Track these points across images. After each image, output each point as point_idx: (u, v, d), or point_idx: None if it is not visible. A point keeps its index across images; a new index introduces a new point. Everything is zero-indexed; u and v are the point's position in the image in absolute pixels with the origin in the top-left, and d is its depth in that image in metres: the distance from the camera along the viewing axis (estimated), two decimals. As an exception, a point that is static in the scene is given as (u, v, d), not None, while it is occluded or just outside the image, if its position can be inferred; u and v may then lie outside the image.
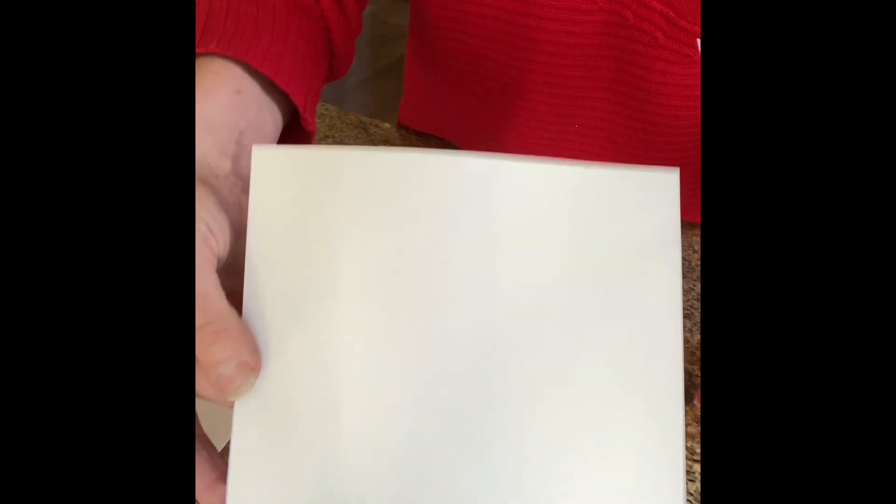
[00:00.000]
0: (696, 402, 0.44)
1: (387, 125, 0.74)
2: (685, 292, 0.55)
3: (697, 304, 0.54)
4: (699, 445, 0.43)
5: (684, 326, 0.51)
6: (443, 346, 0.27)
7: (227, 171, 0.34)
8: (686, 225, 0.63)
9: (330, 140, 0.70)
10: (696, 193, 0.60)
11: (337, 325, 0.28)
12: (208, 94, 0.35)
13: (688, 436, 0.43)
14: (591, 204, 0.29)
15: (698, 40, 0.50)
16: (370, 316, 0.28)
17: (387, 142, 0.70)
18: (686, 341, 0.50)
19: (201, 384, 0.28)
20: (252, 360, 0.28)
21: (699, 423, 0.44)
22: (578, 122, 0.57)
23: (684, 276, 0.57)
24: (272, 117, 0.38)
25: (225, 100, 0.35)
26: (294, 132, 0.41)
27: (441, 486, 0.27)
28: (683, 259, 0.59)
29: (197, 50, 0.35)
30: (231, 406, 0.28)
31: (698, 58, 0.49)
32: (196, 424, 0.30)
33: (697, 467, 0.42)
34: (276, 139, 0.39)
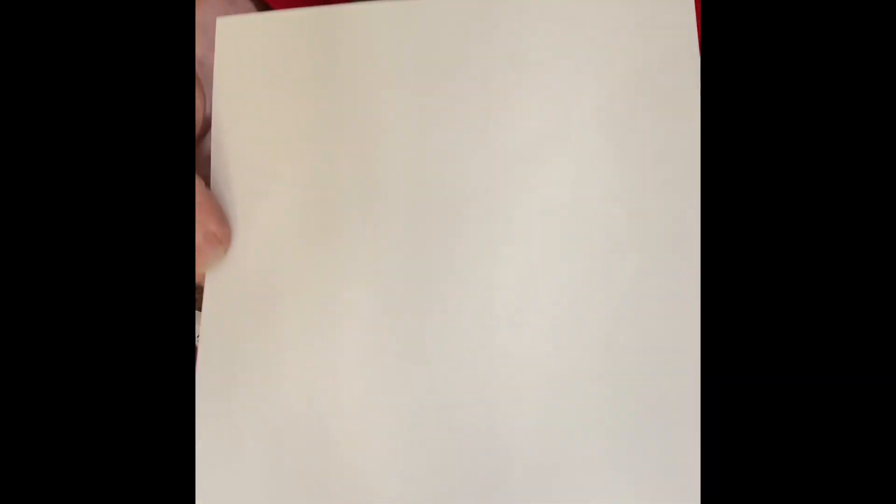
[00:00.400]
0: None
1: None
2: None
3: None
4: (699, 445, 0.43)
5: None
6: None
7: (212, 62, 0.31)
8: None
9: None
10: None
11: (305, 193, 0.25)
12: (205, 1, 0.33)
13: (688, 436, 0.43)
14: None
15: None
16: (346, 179, 0.25)
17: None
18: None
19: None
20: (220, 231, 0.26)
21: (699, 424, 0.44)
22: None
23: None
24: None
25: (220, 8, 0.34)
26: None
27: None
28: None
29: None
30: (200, 281, 0.26)
31: None
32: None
33: (697, 467, 0.41)
34: None
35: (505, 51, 0.24)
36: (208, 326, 0.26)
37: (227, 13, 0.33)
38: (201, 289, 0.28)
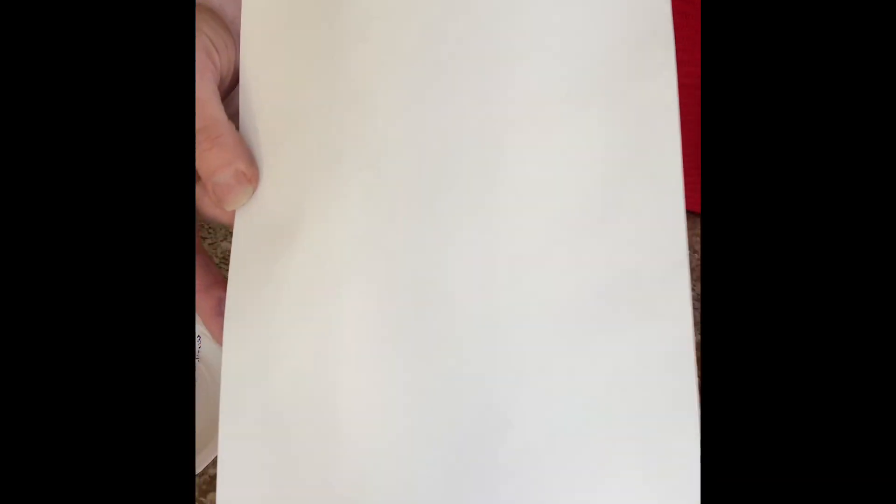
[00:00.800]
0: None
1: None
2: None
3: (697, 304, 0.54)
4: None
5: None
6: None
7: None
8: (687, 224, 0.63)
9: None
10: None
11: (335, 142, 0.26)
12: None
13: (688, 436, 0.43)
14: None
15: None
16: (371, 126, 0.25)
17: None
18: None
19: (201, 199, 0.28)
20: (248, 171, 0.27)
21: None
22: None
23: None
24: None
25: None
26: None
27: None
28: (683, 259, 0.59)
29: None
30: (231, 220, 0.28)
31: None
32: (196, 239, 0.29)
33: (697, 467, 0.41)
34: None
35: (506, 11, 0.25)
36: (237, 260, 0.27)
37: None
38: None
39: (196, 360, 0.45)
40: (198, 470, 0.38)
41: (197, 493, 0.39)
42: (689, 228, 0.65)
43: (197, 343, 0.45)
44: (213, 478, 0.39)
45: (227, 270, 0.28)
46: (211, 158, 0.27)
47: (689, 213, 0.69)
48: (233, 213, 0.28)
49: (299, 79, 0.27)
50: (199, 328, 0.45)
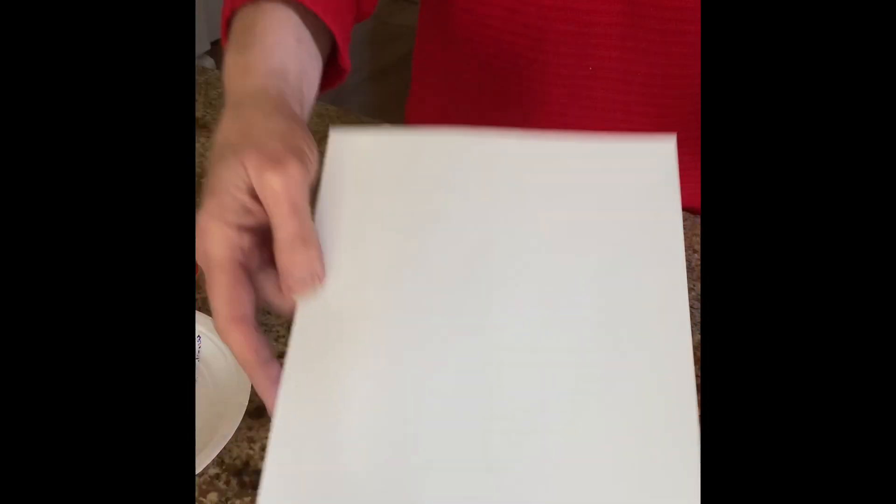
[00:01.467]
0: None
1: (386, 125, 0.74)
2: (685, 292, 0.55)
3: (697, 304, 0.54)
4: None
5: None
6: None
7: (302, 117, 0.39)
8: (687, 224, 0.63)
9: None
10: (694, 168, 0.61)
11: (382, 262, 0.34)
12: (280, 45, 0.39)
13: (688, 436, 0.43)
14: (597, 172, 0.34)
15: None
16: (412, 260, 0.34)
17: (387, 142, 0.70)
18: (686, 341, 0.50)
19: (264, 284, 0.34)
20: (321, 273, 0.34)
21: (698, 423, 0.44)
22: (592, 63, 0.57)
23: (684, 276, 0.57)
24: (317, 63, 0.42)
25: (292, 50, 0.40)
26: (329, 73, 0.45)
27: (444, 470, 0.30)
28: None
29: (307, 4, 0.40)
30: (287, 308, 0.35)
31: None
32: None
33: (697, 467, 0.42)
34: (318, 82, 0.43)
35: (535, 186, 0.35)
36: (296, 345, 0.34)
37: (297, 54, 0.40)
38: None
39: (196, 360, 0.45)
40: (198, 470, 0.38)
41: (197, 493, 0.39)
42: (689, 228, 0.66)
43: (197, 343, 0.45)
44: (214, 478, 0.39)
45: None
46: (297, 259, 0.33)
47: (690, 212, 0.69)
48: (291, 302, 0.34)
49: (366, 225, 0.36)
50: (199, 328, 0.45)
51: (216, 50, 2.74)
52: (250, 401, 0.43)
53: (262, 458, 0.40)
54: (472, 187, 0.35)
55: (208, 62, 2.60)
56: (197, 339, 0.45)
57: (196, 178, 0.63)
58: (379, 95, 2.48)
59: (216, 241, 0.32)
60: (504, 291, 0.32)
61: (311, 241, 0.34)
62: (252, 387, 0.44)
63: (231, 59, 0.39)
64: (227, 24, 0.42)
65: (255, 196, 0.33)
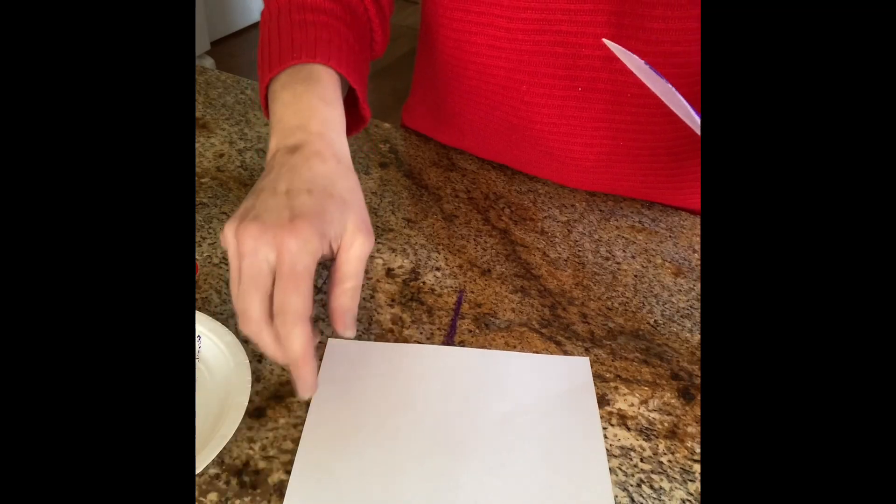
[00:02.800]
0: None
1: (387, 125, 0.74)
2: (685, 292, 0.55)
3: (697, 304, 0.54)
4: (699, 445, 0.43)
5: (684, 327, 0.51)
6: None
7: None
8: (687, 224, 0.63)
9: (330, 140, 0.70)
10: (697, 156, 0.61)
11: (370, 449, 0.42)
12: (335, 102, 0.47)
13: (688, 436, 0.43)
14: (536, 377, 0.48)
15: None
16: (391, 446, 0.43)
17: (386, 141, 0.71)
18: (686, 341, 0.50)
19: (264, 334, 0.38)
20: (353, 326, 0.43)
21: (699, 423, 0.44)
22: (581, 84, 0.57)
23: (684, 276, 0.57)
24: (344, 113, 0.49)
25: (340, 104, 0.48)
26: (350, 120, 0.53)
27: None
28: (684, 259, 0.59)
29: (304, 59, 0.48)
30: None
31: None
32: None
33: (697, 467, 0.42)
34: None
35: (496, 383, 0.47)
36: (304, 447, 0.42)
37: (342, 108, 0.49)
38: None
39: (196, 360, 0.45)
40: (198, 470, 0.38)
41: (197, 493, 0.39)
42: (689, 228, 0.66)
43: (197, 343, 0.45)
44: (214, 478, 0.39)
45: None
46: (350, 303, 0.42)
47: (690, 212, 0.69)
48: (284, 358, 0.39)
49: (354, 416, 0.44)
50: (199, 328, 0.45)
51: (216, 50, 2.75)
52: (250, 401, 0.43)
53: (262, 458, 0.40)
54: (435, 384, 0.46)
55: (208, 62, 2.60)
56: (197, 339, 0.45)
57: (196, 178, 0.63)
58: (378, 95, 2.49)
59: (310, 247, 0.38)
60: (465, 453, 0.42)
61: (359, 291, 0.42)
62: (252, 387, 0.44)
63: (314, 102, 0.46)
64: (265, 85, 0.49)
65: (335, 244, 0.41)
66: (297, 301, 0.37)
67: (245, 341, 0.47)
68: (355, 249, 0.41)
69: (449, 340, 0.49)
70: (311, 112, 0.46)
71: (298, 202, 0.40)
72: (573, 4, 0.53)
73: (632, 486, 0.40)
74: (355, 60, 0.52)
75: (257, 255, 0.38)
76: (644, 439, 0.43)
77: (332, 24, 0.52)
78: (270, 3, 0.54)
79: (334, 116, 0.47)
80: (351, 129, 0.54)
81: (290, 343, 0.38)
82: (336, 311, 0.42)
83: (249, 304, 0.38)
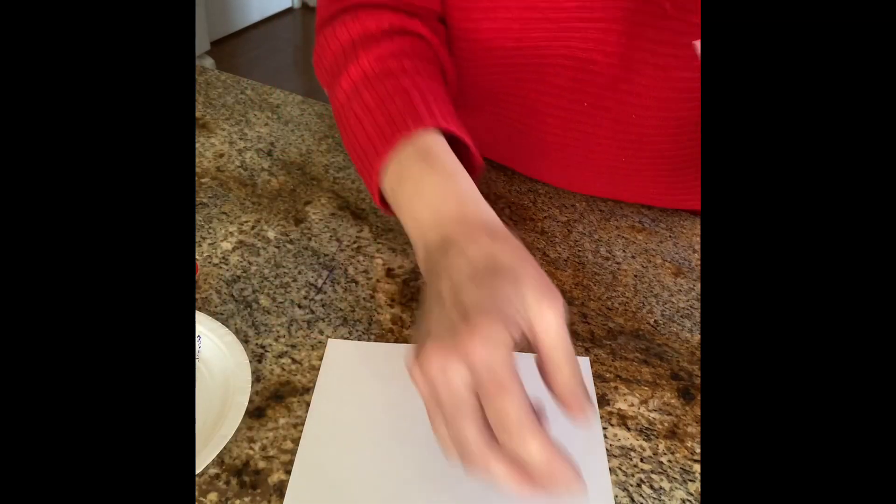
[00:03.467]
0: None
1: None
2: (685, 292, 0.55)
3: (697, 304, 0.54)
4: (699, 445, 0.43)
5: (684, 327, 0.51)
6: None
7: None
8: (687, 224, 0.63)
9: (329, 140, 0.70)
10: (698, 177, 0.61)
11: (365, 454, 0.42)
12: (457, 170, 0.44)
13: (688, 436, 0.43)
14: None
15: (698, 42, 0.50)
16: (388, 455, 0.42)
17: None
18: (686, 341, 0.50)
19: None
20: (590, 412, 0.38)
21: (699, 423, 0.44)
22: (587, 100, 0.57)
23: (684, 276, 0.57)
24: (468, 175, 0.46)
25: (462, 169, 0.45)
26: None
27: None
28: (684, 259, 0.59)
29: (408, 129, 0.45)
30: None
31: None
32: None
33: (697, 467, 0.42)
34: None
35: None
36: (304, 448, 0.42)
37: None
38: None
39: (196, 360, 0.45)
40: (198, 470, 0.38)
41: (197, 493, 0.39)
42: (689, 228, 0.66)
43: (197, 343, 0.45)
44: (214, 478, 0.39)
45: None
46: (579, 397, 0.36)
47: (690, 212, 0.69)
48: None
49: (355, 416, 0.44)
50: (199, 328, 0.45)
51: (216, 50, 2.75)
52: (250, 401, 0.43)
53: (262, 458, 0.40)
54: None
55: (208, 62, 2.60)
56: (197, 339, 0.45)
57: (196, 178, 0.63)
58: (379, 95, 2.48)
59: (499, 341, 0.33)
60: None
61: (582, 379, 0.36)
62: (252, 387, 0.44)
63: (438, 181, 0.43)
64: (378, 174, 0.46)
65: (524, 324, 0.35)
66: (513, 407, 0.32)
67: (245, 341, 0.47)
68: (549, 321, 0.35)
69: (449, 340, 0.49)
70: (441, 197, 0.42)
71: (466, 298, 0.35)
72: (585, 22, 0.53)
73: (632, 486, 0.40)
74: (450, 109, 0.48)
75: (448, 378, 0.33)
76: (644, 439, 0.43)
77: (416, 81, 0.48)
78: (341, 83, 0.51)
79: (464, 188, 0.42)
80: None
81: (530, 455, 0.32)
82: (567, 399, 0.36)
83: (465, 436, 0.33)
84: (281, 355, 0.47)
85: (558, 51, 0.55)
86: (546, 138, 0.61)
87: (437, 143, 0.45)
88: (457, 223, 0.40)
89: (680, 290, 0.55)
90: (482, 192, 0.43)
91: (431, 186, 0.42)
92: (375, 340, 0.49)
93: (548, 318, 0.35)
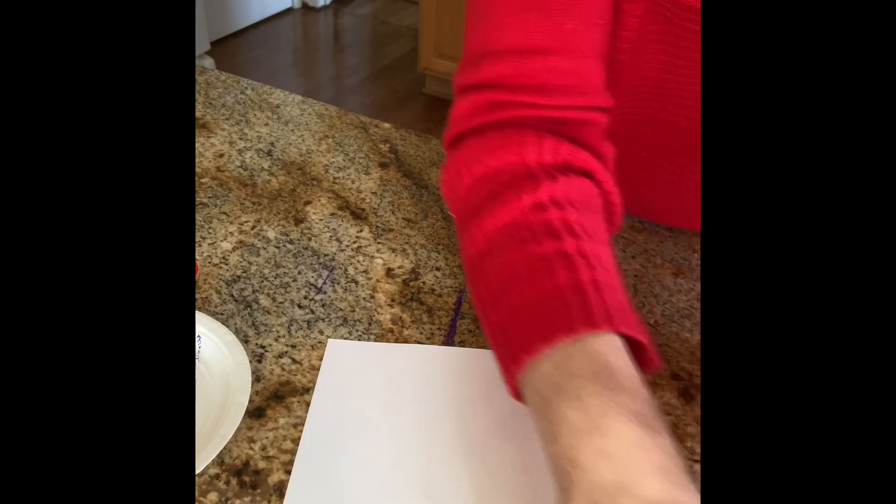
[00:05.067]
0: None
1: (386, 125, 0.74)
2: (685, 292, 0.55)
3: (697, 304, 0.54)
4: (699, 445, 0.43)
5: (684, 327, 0.51)
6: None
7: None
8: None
9: (329, 140, 0.70)
10: None
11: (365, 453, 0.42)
12: (654, 420, 0.32)
13: (688, 436, 0.43)
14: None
15: None
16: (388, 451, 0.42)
17: (386, 141, 0.71)
18: (686, 341, 0.50)
19: None
20: None
21: (699, 423, 0.44)
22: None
23: (684, 276, 0.57)
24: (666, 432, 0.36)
25: (661, 422, 0.33)
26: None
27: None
28: (684, 259, 0.59)
29: (581, 329, 0.33)
30: None
31: None
32: None
33: (697, 467, 0.42)
34: None
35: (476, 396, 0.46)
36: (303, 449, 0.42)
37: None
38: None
39: (196, 360, 0.45)
40: (198, 470, 0.38)
41: (197, 493, 0.39)
42: (690, 230, 0.65)
43: (197, 343, 0.45)
44: (214, 478, 0.39)
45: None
46: None
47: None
48: None
49: (354, 416, 0.44)
50: (199, 328, 0.45)
51: (216, 50, 2.75)
52: (250, 401, 0.43)
53: (262, 458, 0.40)
54: (435, 384, 0.46)
55: (208, 62, 2.60)
56: (197, 339, 0.45)
57: (196, 178, 0.63)
58: (378, 95, 2.49)
59: None
60: (464, 453, 0.42)
61: None
62: (252, 387, 0.44)
63: (579, 418, 0.31)
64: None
65: None
66: None
67: (245, 341, 0.47)
68: None
69: (449, 340, 0.49)
70: (634, 462, 0.29)
71: None
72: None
73: (632, 486, 0.40)
74: (627, 299, 0.37)
75: None
76: (644, 439, 0.43)
77: (596, 251, 0.37)
78: (482, 227, 0.40)
79: (665, 453, 0.30)
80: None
81: None
82: None
83: None
84: (281, 355, 0.47)
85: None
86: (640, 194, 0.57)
87: (623, 361, 0.33)
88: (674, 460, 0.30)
89: (680, 290, 0.55)
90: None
91: (622, 438, 0.30)
92: (375, 340, 0.49)
93: None
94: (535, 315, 0.35)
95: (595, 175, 0.43)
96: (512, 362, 0.35)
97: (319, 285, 0.52)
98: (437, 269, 0.55)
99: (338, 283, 0.53)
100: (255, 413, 0.43)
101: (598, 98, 0.44)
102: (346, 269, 0.54)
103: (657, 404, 0.32)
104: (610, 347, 0.33)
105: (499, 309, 0.37)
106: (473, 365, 0.48)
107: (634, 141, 0.54)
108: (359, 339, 0.49)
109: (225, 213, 0.59)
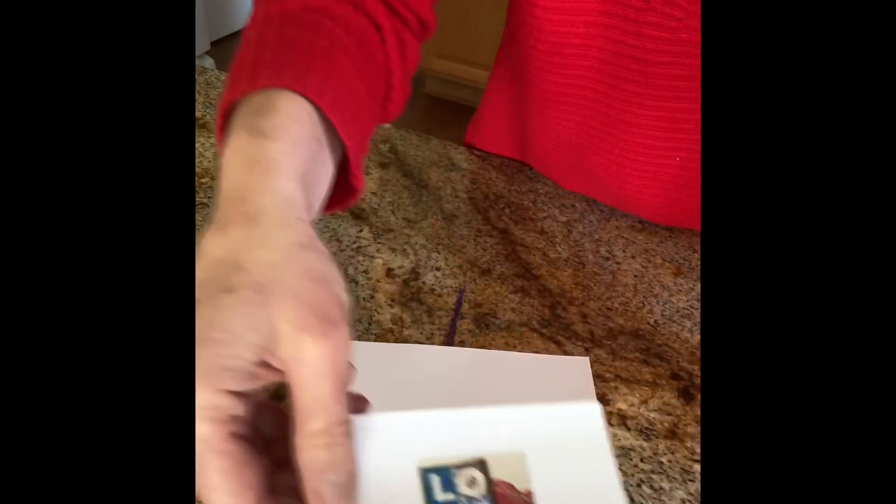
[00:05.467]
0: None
1: (386, 125, 0.74)
2: (685, 292, 0.55)
3: (697, 304, 0.54)
4: (699, 445, 0.43)
5: (684, 327, 0.51)
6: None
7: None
8: (687, 228, 0.63)
9: (330, 140, 0.70)
10: None
11: None
12: (305, 143, 0.31)
13: (688, 436, 0.43)
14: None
15: None
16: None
17: (386, 141, 0.71)
18: (686, 341, 0.50)
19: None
20: (356, 472, 0.31)
21: (699, 423, 0.44)
22: (680, 154, 0.55)
23: (684, 276, 0.57)
24: (328, 170, 0.35)
25: (314, 151, 0.32)
26: (337, 189, 0.38)
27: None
28: (684, 259, 0.59)
29: (269, 82, 0.32)
30: None
31: None
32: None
33: (697, 467, 0.42)
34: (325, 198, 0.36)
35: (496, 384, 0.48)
36: None
37: (312, 154, 0.32)
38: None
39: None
40: (198, 470, 0.38)
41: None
42: (690, 231, 0.65)
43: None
44: (213, 478, 0.39)
45: None
46: (334, 457, 0.26)
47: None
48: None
49: None
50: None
51: (216, 50, 2.74)
52: (250, 401, 0.44)
53: (262, 458, 0.40)
54: (435, 384, 0.47)
55: (208, 62, 2.60)
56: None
57: (196, 178, 0.63)
58: (379, 95, 2.48)
59: (202, 412, 0.24)
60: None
61: (349, 434, 0.26)
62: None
63: (241, 143, 0.30)
64: (225, 113, 0.33)
65: (270, 359, 0.25)
66: (216, 499, 0.25)
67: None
68: (307, 362, 0.24)
69: (449, 340, 0.49)
70: (240, 160, 0.29)
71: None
72: (668, 79, 0.51)
73: (632, 486, 0.40)
74: (356, 110, 0.37)
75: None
76: (644, 439, 0.43)
77: (336, 55, 0.36)
78: (258, 10, 0.39)
79: (270, 150, 0.29)
80: (334, 202, 0.38)
81: None
82: (305, 476, 0.26)
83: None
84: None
85: (649, 100, 0.53)
86: (625, 188, 0.60)
87: (299, 109, 0.32)
88: (225, 198, 0.28)
89: (680, 290, 0.55)
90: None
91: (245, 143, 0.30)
92: (375, 340, 0.49)
93: (305, 356, 0.24)
94: (250, 68, 0.34)
95: (384, 30, 0.41)
96: (219, 113, 0.33)
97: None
98: (437, 269, 0.55)
99: (338, 283, 0.53)
100: (255, 413, 0.43)
101: None
102: (346, 269, 0.54)
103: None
104: (293, 105, 0.32)
105: (230, 74, 0.36)
106: (473, 365, 0.48)
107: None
108: (359, 339, 0.49)
109: (225, 213, 0.59)
